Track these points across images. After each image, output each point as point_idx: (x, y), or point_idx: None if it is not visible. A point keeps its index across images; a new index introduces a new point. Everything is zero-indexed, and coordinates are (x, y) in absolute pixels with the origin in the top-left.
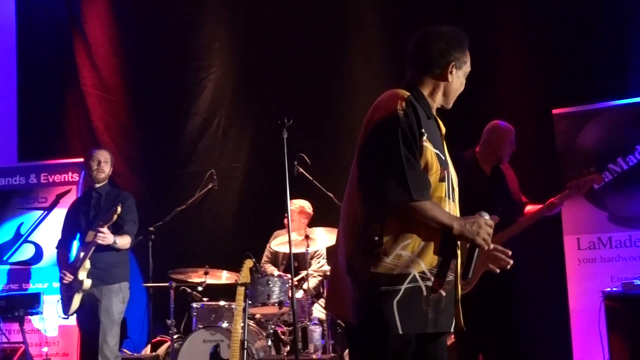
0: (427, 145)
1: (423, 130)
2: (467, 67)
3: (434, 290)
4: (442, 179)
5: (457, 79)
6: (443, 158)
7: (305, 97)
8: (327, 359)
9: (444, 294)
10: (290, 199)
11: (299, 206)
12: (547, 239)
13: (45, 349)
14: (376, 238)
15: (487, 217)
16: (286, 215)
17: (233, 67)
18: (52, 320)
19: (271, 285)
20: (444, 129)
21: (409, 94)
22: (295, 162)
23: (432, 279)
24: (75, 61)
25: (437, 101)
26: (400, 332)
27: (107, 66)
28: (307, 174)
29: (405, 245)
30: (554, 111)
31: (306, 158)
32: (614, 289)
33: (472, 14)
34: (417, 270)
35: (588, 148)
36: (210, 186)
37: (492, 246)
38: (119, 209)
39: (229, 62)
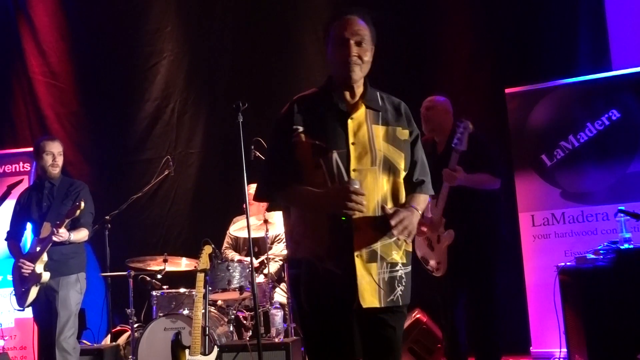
0: (302, 139)
1: (296, 126)
2: (335, 37)
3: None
4: (317, 166)
5: (332, 51)
6: (324, 145)
7: (259, 80)
8: (289, 342)
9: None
10: (248, 183)
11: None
12: (507, 216)
13: (1, 343)
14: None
15: (355, 185)
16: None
17: (186, 52)
18: (7, 313)
19: (231, 271)
20: (351, 108)
21: (302, 93)
22: (252, 147)
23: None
24: (22, 48)
25: (339, 79)
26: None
27: (55, 53)
28: (263, 157)
29: (299, 232)
30: (507, 90)
31: (263, 142)
32: (568, 263)
33: None
34: (311, 254)
35: (539, 126)
36: (166, 173)
37: (358, 215)
38: (82, 204)
39: (181, 47)
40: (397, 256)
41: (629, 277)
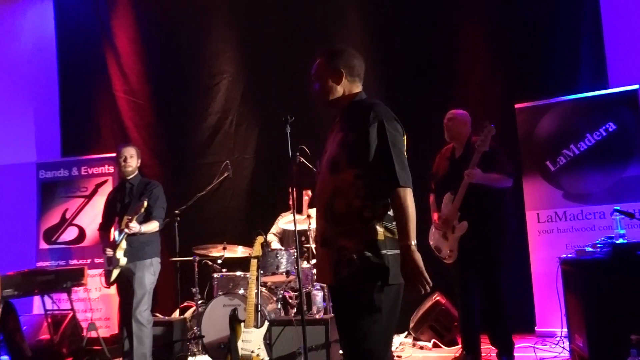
0: None
1: None
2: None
3: None
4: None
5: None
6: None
7: (303, 97)
8: (328, 318)
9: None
10: (291, 185)
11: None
12: (514, 213)
13: (89, 315)
14: None
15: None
16: (290, 198)
17: (242, 73)
18: (95, 290)
19: (279, 258)
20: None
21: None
22: (297, 153)
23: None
24: (108, 71)
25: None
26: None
27: (134, 74)
28: (307, 163)
29: None
30: (516, 105)
31: (306, 149)
32: (569, 255)
33: (438, 18)
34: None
35: (545, 136)
36: (225, 175)
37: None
38: (145, 203)
39: (238, 68)
40: (350, 243)
41: (623, 268)
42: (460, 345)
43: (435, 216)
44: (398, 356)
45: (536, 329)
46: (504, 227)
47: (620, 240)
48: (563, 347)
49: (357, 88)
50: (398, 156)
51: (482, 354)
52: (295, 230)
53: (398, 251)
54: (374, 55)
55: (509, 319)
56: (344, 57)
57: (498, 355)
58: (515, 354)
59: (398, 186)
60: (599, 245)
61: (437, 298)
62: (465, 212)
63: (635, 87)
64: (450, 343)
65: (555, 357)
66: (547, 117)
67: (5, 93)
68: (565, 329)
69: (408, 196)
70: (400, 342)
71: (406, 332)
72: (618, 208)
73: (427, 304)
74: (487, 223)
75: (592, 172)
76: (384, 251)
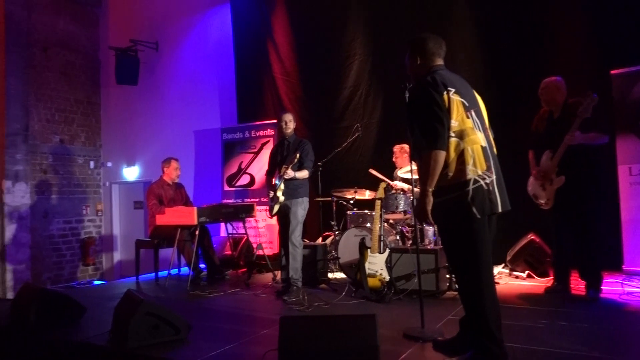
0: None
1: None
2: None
3: None
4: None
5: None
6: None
7: None
8: (438, 249)
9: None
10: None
11: (400, 147)
12: (606, 169)
13: (258, 238)
14: None
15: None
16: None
17: (369, 55)
18: (261, 221)
19: (398, 200)
20: None
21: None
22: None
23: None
24: (269, 58)
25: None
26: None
27: (288, 59)
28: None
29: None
30: (612, 72)
31: None
32: None
33: None
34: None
35: (638, 99)
36: (356, 135)
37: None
38: (298, 155)
39: (367, 51)
40: None
41: None
42: (551, 277)
43: (534, 169)
44: (496, 282)
45: (624, 267)
46: (597, 180)
47: None
48: None
49: (433, 62)
50: None
51: (571, 286)
52: (412, 178)
53: None
54: (477, 28)
55: (599, 257)
56: (419, 44)
57: (586, 287)
58: (602, 288)
59: None
60: None
61: (532, 237)
62: (563, 167)
63: None
64: (542, 274)
65: None
66: None
67: (201, 78)
68: None
69: None
70: (498, 272)
71: (503, 264)
72: None
73: (523, 241)
74: (582, 177)
75: None
76: None
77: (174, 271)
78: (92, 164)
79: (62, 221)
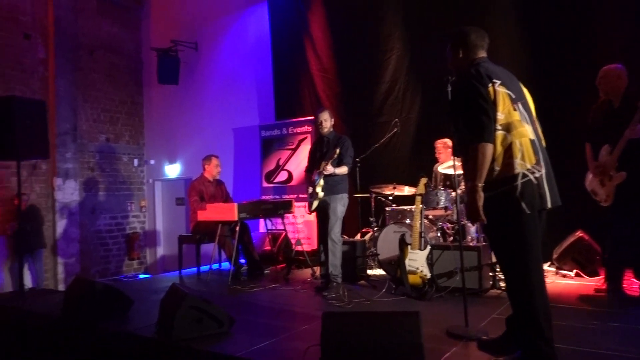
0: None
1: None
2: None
3: None
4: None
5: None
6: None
7: None
8: (480, 246)
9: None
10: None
11: (443, 142)
12: None
13: (296, 234)
14: None
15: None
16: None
17: (408, 49)
18: (299, 217)
19: (439, 196)
20: None
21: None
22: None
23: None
24: (306, 55)
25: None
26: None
27: (325, 55)
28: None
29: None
30: None
31: None
32: None
33: None
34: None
35: None
36: (394, 131)
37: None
38: (338, 151)
39: (404, 45)
40: None
41: None
42: (602, 276)
43: (591, 164)
44: None
45: None
46: None
47: None
48: None
49: (476, 55)
50: None
51: (624, 286)
52: (455, 173)
53: None
54: (520, 19)
55: None
56: (461, 36)
57: None
58: None
59: None
60: None
61: (580, 234)
62: (623, 162)
63: None
64: (592, 273)
65: None
66: None
67: (239, 77)
68: None
69: None
70: (544, 270)
71: (549, 262)
72: None
73: (570, 239)
74: None
75: None
76: None
77: (215, 266)
78: (135, 161)
79: (109, 217)
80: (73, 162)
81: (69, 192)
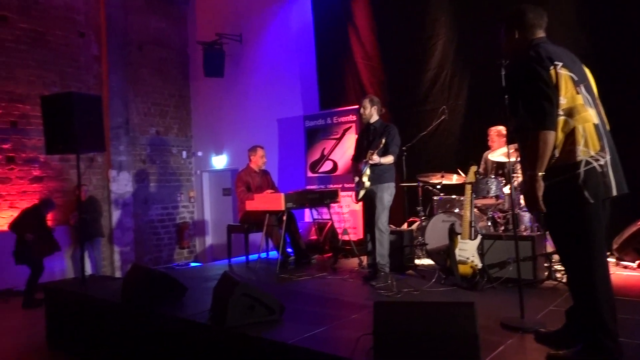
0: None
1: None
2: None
3: None
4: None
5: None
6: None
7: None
8: (535, 235)
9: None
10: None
11: (497, 130)
12: None
13: (342, 224)
14: None
15: None
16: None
17: (455, 34)
18: (345, 207)
19: (489, 184)
20: None
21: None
22: (506, 97)
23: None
24: (350, 43)
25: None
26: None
27: (369, 42)
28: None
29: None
30: None
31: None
32: None
33: None
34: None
35: None
36: (442, 118)
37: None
38: (384, 140)
39: (451, 31)
40: None
41: None
42: None
43: None
44: None
45: None
46: None
47: None
48: None
49: (534, 35)
50: None
51: None
52: (509, 161)
53: None
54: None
55: None
56: (516, 16)
57: None
58: None
59: None
60: None
61: None
62: None
63: None
64: None
65: None
66: None
67: (283, 67)
68: None
69: None
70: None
71: (609, 253)
72: None
73: (632, 228)
74: None
75: None
76: None
77: (263, 255)
78: (184, 153)
79: (160, 207)
80: (126, 155)
81: (122, 183)
